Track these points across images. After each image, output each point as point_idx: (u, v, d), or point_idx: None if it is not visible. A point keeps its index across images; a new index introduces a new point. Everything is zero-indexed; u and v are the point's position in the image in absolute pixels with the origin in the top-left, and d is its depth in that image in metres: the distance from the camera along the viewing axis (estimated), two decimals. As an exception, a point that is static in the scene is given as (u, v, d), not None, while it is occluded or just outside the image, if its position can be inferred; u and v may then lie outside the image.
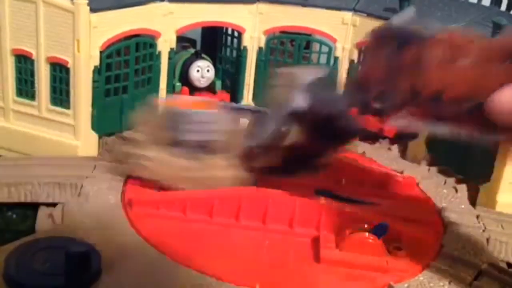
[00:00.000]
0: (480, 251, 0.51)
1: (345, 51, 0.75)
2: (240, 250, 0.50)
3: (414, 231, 0.52)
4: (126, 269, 0.44)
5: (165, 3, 0.68)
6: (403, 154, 0.71)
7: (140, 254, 0.47)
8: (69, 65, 0.60)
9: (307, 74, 0.54)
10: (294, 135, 0.54)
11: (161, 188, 0.55)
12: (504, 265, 0.50)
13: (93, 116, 0.62)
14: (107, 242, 0.46)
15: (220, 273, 0.45)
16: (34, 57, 0.61)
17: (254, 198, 0.52)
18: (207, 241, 0.50)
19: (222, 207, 0.52)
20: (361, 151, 0.70)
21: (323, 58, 0.77)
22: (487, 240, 0.53)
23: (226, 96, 0.76)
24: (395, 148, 0.72)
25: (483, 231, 0.54)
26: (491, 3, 0.77)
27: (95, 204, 0.53)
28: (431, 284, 0.47)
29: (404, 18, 0.47)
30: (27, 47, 0.61)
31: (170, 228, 0.51)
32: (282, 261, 0.49)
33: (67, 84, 0.61)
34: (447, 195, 0.61)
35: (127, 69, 0.65)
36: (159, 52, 0.69)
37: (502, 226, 0.55)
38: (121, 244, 0.48)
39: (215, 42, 0.80)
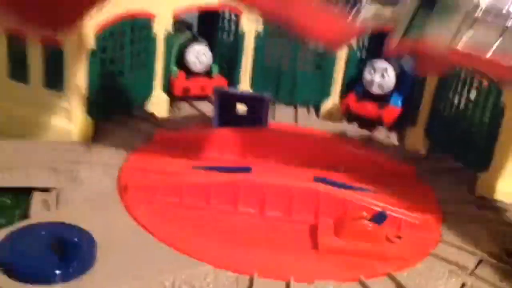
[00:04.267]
0: (480, 240, 0.51)
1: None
2: (238, 237, 0.49)
3: (414, 220, 0.52)
4: (121, 255, 0.43)
5: (162, -15, 0.66)
6: (402, 141, 0.71)
7: (136, 240, 0.46)
8: (64, 47, 0.58)
9: None
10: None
11: (157, 173, 0.54)
12: (504, 254, 0.49)
13: (87, 100, 0.61)
14: (102, 227, 0.45)
15: (218, 260, 0.44)
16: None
17: (251, 185, 0.52)
18: (203, 227, 0.50)
19: (219, 193, 0.51)
20: (360, 139, 0.70)
21: (322, 43, 0.76)
22: (487, 228, 0.52)
23: (223, 81, 0.75)
24: (393, 135, 0.71)
25: (483, 219, 0.53)
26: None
27: (90, 189, 0.52)
28: (431, 273, 0.46)
29: None
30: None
31: (166, 213, 0.50)
32: (280, 248, 0.48)
33: (61, 66, 0.59)
34: (447, 183, 0.61)
35: (122, 51, 0.64)
36: (155, 35, 0.68)
37: (501, 214, 0.55)
38: (116, 229, 0.47)
39: (212, 25, 0.79)
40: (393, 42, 0.48)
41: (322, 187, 0.52)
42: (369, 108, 0.72)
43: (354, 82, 0.75)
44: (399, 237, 0.49)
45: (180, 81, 0.73)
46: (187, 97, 0.74)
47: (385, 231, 0.49)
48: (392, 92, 0.72)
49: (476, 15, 0.45)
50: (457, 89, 0.67)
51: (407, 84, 0.73)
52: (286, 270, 0.45)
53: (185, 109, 0.73)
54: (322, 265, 0.47)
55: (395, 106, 0.72)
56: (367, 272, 0.45)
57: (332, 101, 0.76)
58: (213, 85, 0.72)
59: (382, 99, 0.72)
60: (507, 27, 0.44)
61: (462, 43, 0.45)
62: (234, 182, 0.52)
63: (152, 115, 0.68)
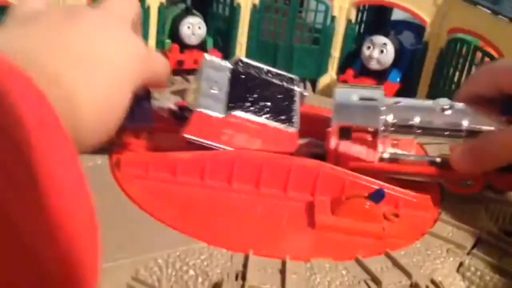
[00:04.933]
0: (478, 219, 0.50)
1: (343, 10, 0.73)
2: (233, 214, 0.48)
3: (412, 198, 0.51)
4: (114, 231, 0.42)
5: (155, -46, 0.64)
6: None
7: (128, 216, 0.45)
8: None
9: None
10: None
11: (151, 149, 0.53)
12: (502, 233, 0.48)
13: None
14: (94, 203, 0.44)
15: (212, 238, 0.43)
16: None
17: (247, 161, 0.51)
18: (198, 204, 0.49)
19: (214, 169, 0.50)
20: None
21: (320, 17, 0.74)
22: (486, 208, 0.51)
23: (218, 54, 0.73)
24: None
25: (482, 198, 0.53)
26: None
27: (81, 164, 0.50)
28: (429, 252, 0.45)
29: None
30: (9, -2, 0.58)
31: (160, 190, 0.49)
32: (276, 226, 0.48)
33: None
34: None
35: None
36: (148, 7, 0.66)
37: (500, 194, 0.54)
38: (108, 205, 0.46)
39: (206, -3, 0.77)
40: None
41: (319, 164, 0.51)
42: (367, 84, 0.71)
43: (352, 58, 0.74)
44: (397, 216, 0.49)
45: (174, 54, 0.71)
46: (180, 71, 0.72)
47: (382, 209, 0.48)
48: (390, 68, 0.71)
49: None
50: (457, 65, 0.66)
51: (406, 60, 0.71)
52: (282, 248, 0.44)
53: (179, 82, 0.72)
54: (318, 243, 0.46)
55: (394, 82, 0.70)
56: (364, 250, 0.44)
57: (329, 77, 0.75)
58: (207, 59, 0.70)
59: (380, 75, 0.71)
60: None
61: None
62: (229, 158, 0.50)
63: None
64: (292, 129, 0.52)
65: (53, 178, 0.26)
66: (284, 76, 0.57)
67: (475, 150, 0.48)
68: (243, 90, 0.54)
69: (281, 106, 0.54)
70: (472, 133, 0.50)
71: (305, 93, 0.58)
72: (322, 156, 0.53)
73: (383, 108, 0.51)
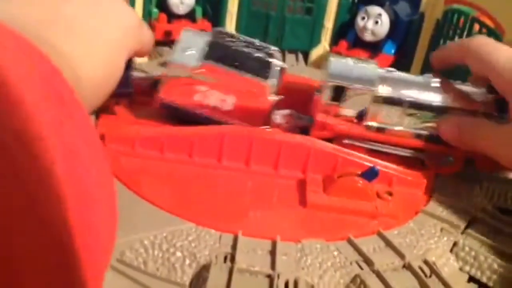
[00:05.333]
0: (472, 197, 0.49)
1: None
2: (222, 193, 0.47)
3: (406, 176, 0.50)
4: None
5: None
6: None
7: (114, 195, 0.44)
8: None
9: None
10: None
11: (137, 123, 0.51)
12: (497, 211, 0.47)
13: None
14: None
15: (200, 218, 0.42)
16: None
17: (237, 138, 0.49)
18: (185, 183, 0.47)
19: (202, 146, 0.49)
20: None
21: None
22: (480, 186, 0.50)
23: (208, 25, 0.71)
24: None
25: (476, 177, 0.52)
26: None
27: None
28: (422, 231, 0.45)
29: None
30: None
31: (146, 167, 0.48)
32: (266, 205, 0.46)
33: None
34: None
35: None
36: (135, -25, 0.64)
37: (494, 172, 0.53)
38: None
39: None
40: None
41: (311, 141, 0.50)
42: (361, 56, 0.69)
43: (346, 29, 0.71)
44: (390, 194, 0.48)
45: (161, 24, 0.69)
46: (168, 42, 0.70)
47: (375, 187, 0.47)
48: (385, 39, 0.69)
49: None
50: (454, 36, 0.64)
51: (401, 31, 0.70)
52: (272, 228, 0.43)
53: (167, 53, 0.69)
54: (310, 223, 0.45)
55: (388, 54, 0.69)
56: (356, 230, 0.44)
57: (322, 48, 0.73)
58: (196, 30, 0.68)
59: (374, 47, 0.69)
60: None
61: None
62: (218, 134, 0.49)
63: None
64: (266, 83, 0.50)
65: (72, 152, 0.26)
66: (265, 48, 0.55)
67: (465, 126, 0.49)
68: (218, 59, 0.52)
69: (256, 73, 0.53)
70: (457, 111, 0.50)
71: (285, 66, 0.55)
72: (305, 129, 0.52)
73: (378, 75, 0.50)
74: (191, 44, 0.53)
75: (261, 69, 0.52)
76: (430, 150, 0.51)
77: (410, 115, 0.50)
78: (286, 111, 0.53)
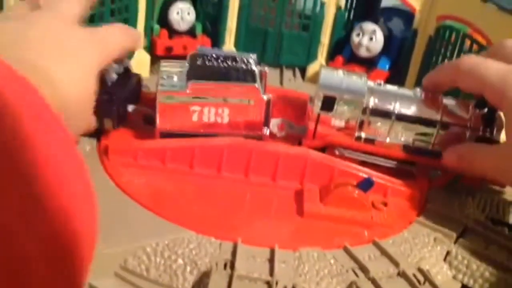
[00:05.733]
0: (465, 207, 0.50)
1: (333, -4, 0.72)
2: (222, 202, 0.48)
3: (400, 187, 0.51)
4: (102, 219, 0.42)
5: None
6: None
7: (116, 204, 0.45)
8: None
9: None
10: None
11: (140, 136, 0.52)
12: (489, 222, 0.49)
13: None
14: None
15: (201, 227, 0.43)
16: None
17: (237, 149, 0.50)
18: (187, 192, 0.48)
19: (203, 157, 0.50)
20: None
21: (309, 3, 0.74)
22: (472, 196, 0.52)
23: (207, 40, 0.73)
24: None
25: (469, 188, 0.53)
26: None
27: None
28: (416, 240, 0.46)
29: None
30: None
31: (148, 178, 0.49)
32: (265, 215, 0.48)
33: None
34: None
35: (102, 8, 0.61)
36: (137, -9, 0.65)
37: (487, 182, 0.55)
38: (96, 194, 0.46)
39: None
40: None
41: (308, 152, 0.51)
42: (356, 72, 0.71)
43: (342, 45, 0.73)
44: (385, 204, 0.49)
45: (162, 40, 0.70)
46: (169, 57, 0.71)
47: (371, 198, 0.48)
48: (379, 55, 0.70)
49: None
50: (446, 52, 0.66)
51: (395, 47, 0.71)
52: (271, 236, 0.44)
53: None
54: (307, 232, 0.46)
55: (383, 70, 0.70)
56: (352, 239, 0.45)
57: (318, 63, 0.75)
58: (196, 45, 0.69)
59: (369, 62, 0.71)
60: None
61: None
62: (218, 146, 0.50)
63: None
64: (255, 85, 0.51)
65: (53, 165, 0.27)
66: (241, 57, 0.56)
67: (464, 154, 0.50)
68: (202, 77, 0.52)
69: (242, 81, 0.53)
70: (445, 126, 0.52)
71: (266, 70, 0.56)
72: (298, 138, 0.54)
73: (368, 87, 0.52)
74: (172, 71, 0.54)
75: (246, 77, 0.53)
76: (418, 163, 0.53)
77: (399, 127, 0.52)
78: (279, 120, 0.55)
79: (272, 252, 0.42)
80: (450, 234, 0.46)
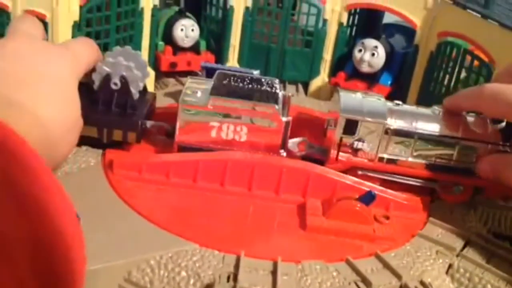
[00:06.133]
0: (467, 221, 0.51)
1: (335, 13, 0.73)
2: (225, 216, 0.49)
3: (402, 200, 0.52)
4: (106, 232, 0.43)
5: (148, -43, 0.65)
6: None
7: (121, 218, 0.45)
8: (47, 20, 0.56)
9: None
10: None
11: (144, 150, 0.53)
12: (491, 235, 0.49)
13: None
14: (86, 204, 0.44)
15: (204, 239, 0.43)
16: (10, 10, 0.58)
17: (240, 163, 0.51)
18: (190, 206, 0.49)
19: (206, 171, 0.51)
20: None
21: (312, 20, 0.74)
22: (474, 210, 0.52)
23: (211, 57, 0.74)
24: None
25: (471, 201, 0.53)
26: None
27: (74, 166, 0.51)
28: (418, 254, 0.46)
29: None
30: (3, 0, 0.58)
31: (153, 191, 0.50)
32: (267, 228, 0.48)
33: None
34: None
35: (108, 25, 0.62)
36: (142, 9, 0.66)
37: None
38: (101, 206, 0.46)
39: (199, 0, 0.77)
40: None
41: (311, 166, 0.52)
42: (358, 87, 0.71)
43: (344, 61, 0.74)
44: (387, 218, 0.49)
45: (167, 56, 0.71)
46: (173, 73, 0.72)
47: (373, 211, 0.49)
48: (381, 71, 0.71)
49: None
50: (447, 68, 0.66)
51: (397, 63, 0.72)
52: (273, 249, 0.44)
53: (172, 85, 0.72)
54: (309, 245, 0.46)
55: (385, 85, 0.71)
56: (354, 252, 0.45)
57: (321, 79, 0.76)
58: (200, 61, 0.70)
59: (371, 78, 0.71)
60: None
61: None
62: (222, 160, 0.51)
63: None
64: (275, 107, 0.52)
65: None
66: (266, 81, 0.57)
67: (496, 165, 0.51)
68: (225, 94, 0.54)
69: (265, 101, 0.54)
70: (465, 142, 0.53)
71: (290, 94, 0.57)
72: (316, 158, 0.54)
73: (387, 108, 0.53)
74: (197, 88, 0.55)
75: (269, 99, 0.54)
76: (440, 180, 0.53)
77: (420, 145, 0.52)
78: (299, 139, 0.55)
79: (275, 265, 0.42)
80: (452, 247, 0.47)
